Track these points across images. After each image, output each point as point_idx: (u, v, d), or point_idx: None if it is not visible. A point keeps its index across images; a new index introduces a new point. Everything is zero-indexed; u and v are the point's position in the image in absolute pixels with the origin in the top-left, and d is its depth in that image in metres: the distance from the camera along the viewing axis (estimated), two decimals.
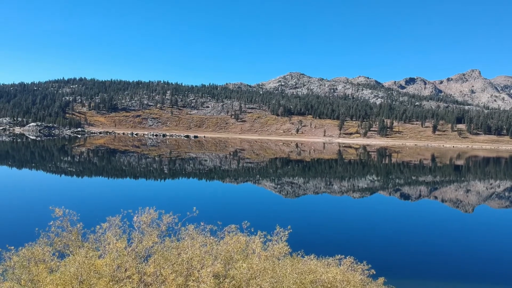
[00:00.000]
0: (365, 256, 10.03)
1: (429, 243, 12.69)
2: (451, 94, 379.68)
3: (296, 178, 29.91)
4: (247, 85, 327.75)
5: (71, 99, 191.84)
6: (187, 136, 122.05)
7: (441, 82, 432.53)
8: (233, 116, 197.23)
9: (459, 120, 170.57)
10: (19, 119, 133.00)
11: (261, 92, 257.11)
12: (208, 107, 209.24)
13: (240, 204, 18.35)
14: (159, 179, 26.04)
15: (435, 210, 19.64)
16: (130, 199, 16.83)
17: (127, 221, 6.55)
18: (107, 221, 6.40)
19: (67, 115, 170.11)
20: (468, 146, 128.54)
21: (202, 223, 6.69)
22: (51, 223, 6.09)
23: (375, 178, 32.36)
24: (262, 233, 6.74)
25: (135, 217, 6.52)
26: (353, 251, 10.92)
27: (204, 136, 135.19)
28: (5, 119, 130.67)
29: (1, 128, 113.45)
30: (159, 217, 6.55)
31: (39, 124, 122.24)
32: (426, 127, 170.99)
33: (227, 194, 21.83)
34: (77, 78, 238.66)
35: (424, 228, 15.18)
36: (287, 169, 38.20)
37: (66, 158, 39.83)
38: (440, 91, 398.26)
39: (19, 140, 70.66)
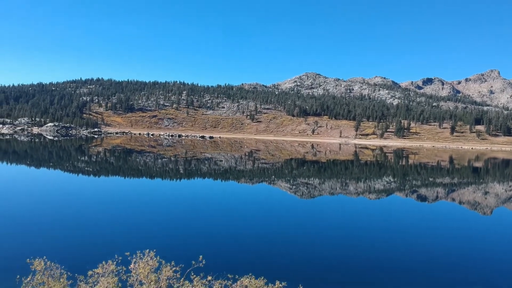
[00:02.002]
0: (390, 272, 9.60)
1: (457, 253, 12.18)
2: (469, 95, 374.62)
3: (312, 179, 29.45)
4: (263, 85, 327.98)
5: (88, 99, 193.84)
6: (203, 137, 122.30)
7: (459, 83, 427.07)
8: (248, 116, 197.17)
9: (478, 121, 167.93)
10: (37, 119, 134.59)
11: (276, 93, 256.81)
12: (223, 107, 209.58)
13: (256, 208, 17.99)
14: (170, 179, 25.83)
15: (459, 217, 19.05)
16: (134, 214, 16.56)
17: (124, 266, 5.94)
18: (99, 267, 5.68)
19: (84, 115, 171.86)
20: (487, 148, 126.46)
21: (209, 277, 5.94)
22: (29, 278, 5.45)
23: (392, 180, 31.77)
24: (281, 285, 5.97)
25: (131, 265, 5.84)
26: (377, 266, 10.47)
27: (220, 137, 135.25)
28: (23, 119, 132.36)
29: (20, 128, 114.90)
30: (159, 267, 5.89)
31: (56, 124, 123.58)
32: (444, 128, 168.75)
33: (242, 195, 21.50)
34: (95, 78, 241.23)
35: (450, 237, 14.64)
36: (302, 170, 37.76)
37: (80, 159, 40.00)
38: (458, 92, 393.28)
39: (36, 140, 71.40)
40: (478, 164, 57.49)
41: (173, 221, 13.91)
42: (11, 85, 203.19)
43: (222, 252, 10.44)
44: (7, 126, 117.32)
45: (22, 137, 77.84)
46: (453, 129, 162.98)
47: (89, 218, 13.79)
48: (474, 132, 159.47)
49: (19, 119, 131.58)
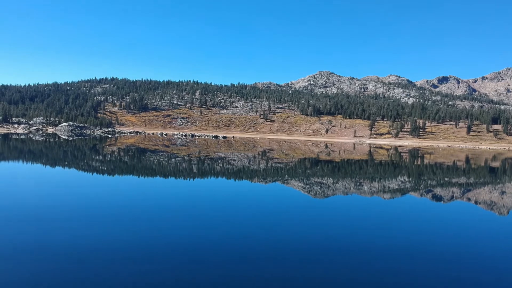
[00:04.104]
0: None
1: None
2: (485, 94, 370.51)
3: (326, 178, 29.14)
4: (276, 84, 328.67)
5: (102, 99, 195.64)
6: (216, 136, 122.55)
7: (475, 81, 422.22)
8: (262, 116, 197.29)
9: (495, 121, 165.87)
10: (52, 119, 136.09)
11: (290, 92, 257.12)
12: (237, 106, 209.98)
13: (269, 207, 17.82)
14: (183, 178, 25.72)
15: (475, 217, 18.65)
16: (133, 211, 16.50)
17: None
18: None
19: (99, 114, 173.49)
20: (505, 148, 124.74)
21: None
22: None
23: (407, 179, 31.33)
24: None
25: None
26: (394, 267, 10.19)
27: (233, 137, 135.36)
28: (38, 119, 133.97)
29: (34, 128, 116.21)
30: None
31: (70, 124, 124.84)
32: (460, 127, 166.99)
33: (255, 194, 21.32)
34: (109, 77, 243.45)
35: (466, 237, 14.29)
36: (316, 169, 37.45)
37: (94, 158, 40.27)
38: (474, 90, 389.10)
39: (51, 139, 72.02)
40: (496, 164, 56.53)
41: (182, 221, 13.76)
42: (27, 84, 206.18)
43: (232, 254, 10.25)
44: (22, 125, 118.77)
45: (37, 137, 78.57)
46: (469, 129, 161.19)
47: (93, 217, 13.71)
48: (491, 131, 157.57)
49: (34, 119, 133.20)
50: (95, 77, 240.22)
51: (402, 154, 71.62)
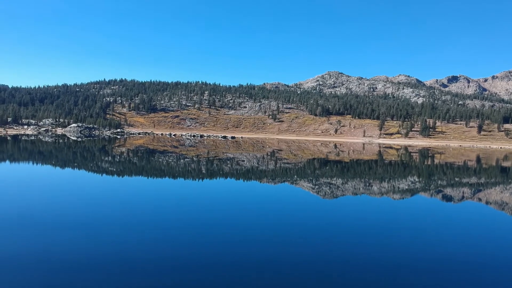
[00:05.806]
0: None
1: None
2: (496, 93, 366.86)
3: (335, 179, 28.92)
4: (285, 84, 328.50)
5: (111, 100, 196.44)
6: (225, 137, 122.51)
7: (486, 80, 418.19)
8: (270, 116, 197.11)
9: (506, 120, 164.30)
10: (61, 120, 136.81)
11: (298, 92, 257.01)
12: (245, 107, 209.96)
13: (277, 208, 17.70)
14: (192, 179, 25.62)
15: (486, 217, 18.37)
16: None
17: None
18: None
19: (108, 116, 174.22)
20: None
21: None
22: None
23: (417, 180, 31.03)
24: None
25: None
26: (403, 268, 10.01)
27: (242, 137, 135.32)
28: (47, 120, 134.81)
29: (44, 129, 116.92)
30: None
31: (80, 125, 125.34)
32: (471, 127, 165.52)
33: (264, 194, 21.20)
34: (118, 79, 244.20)
35: (477, 237, 14.03)
36: (325, 169, 37.23)
37: (103, 159, 40.35)
38: (485, 90, 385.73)
39: (60, 140, 72.42)
40: (507, 164, 55.89)
41: (190, 221, 13.66)
42: (37, 86, 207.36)
43: (240, 255, 10.13)
44: (32, 127, 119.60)
45: (46, 138, 79.06)
46: (480, 128, 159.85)
47: (99, 218, 13.66)
48: (502, 131, 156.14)
49: (43, 120, 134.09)
50: (104, 79, 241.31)
51: (412, 154, 71.12)
